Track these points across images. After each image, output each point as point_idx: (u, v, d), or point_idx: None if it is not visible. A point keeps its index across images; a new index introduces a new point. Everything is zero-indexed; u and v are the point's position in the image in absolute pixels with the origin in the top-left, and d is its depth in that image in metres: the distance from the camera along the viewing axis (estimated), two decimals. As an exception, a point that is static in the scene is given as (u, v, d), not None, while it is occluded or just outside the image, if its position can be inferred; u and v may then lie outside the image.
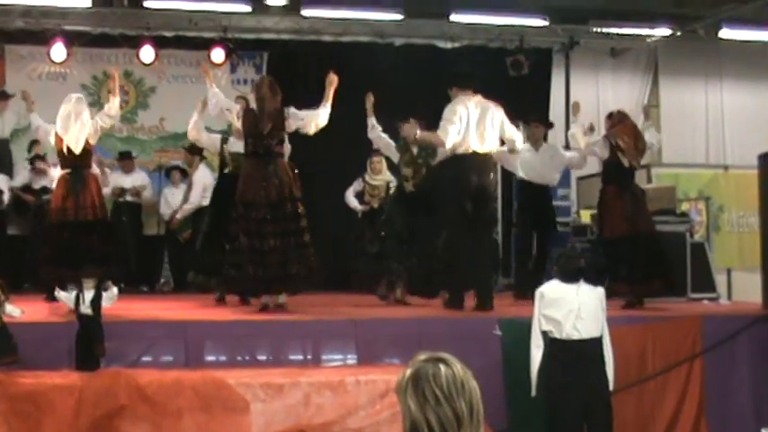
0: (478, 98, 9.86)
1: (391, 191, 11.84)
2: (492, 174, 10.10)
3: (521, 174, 11.63)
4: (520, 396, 7.84)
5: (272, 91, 9.51)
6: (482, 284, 9.83)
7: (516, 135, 10.22)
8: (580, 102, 11.59)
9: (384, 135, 10.96)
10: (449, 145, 9.64)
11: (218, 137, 11.14)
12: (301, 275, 9.31)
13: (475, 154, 9.69)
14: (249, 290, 9.75)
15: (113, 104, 9.88)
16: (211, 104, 9.94)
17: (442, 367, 3.27)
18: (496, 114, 9.88)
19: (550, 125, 12.42)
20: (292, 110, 9.59)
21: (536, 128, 11.81)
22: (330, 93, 9.69)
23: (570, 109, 12.07)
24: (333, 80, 9.72)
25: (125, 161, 13.89)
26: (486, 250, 10.14)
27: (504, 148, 10.34)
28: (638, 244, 10.36)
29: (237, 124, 9.76)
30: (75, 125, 9.56)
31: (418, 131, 9.99)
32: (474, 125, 9.67)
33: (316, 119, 9.64)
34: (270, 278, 9.21)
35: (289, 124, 9.54)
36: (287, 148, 9.85)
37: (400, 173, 11.06)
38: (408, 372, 3.29)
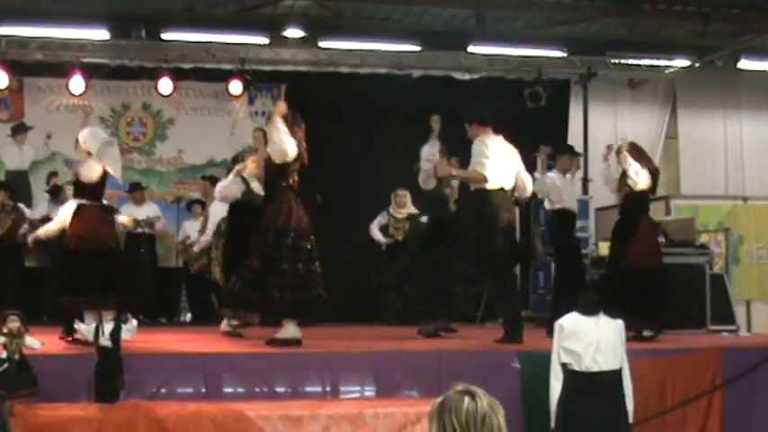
0: (500, 138, 9.87)
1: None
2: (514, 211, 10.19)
3: (559, 204, 11.44)
4: (539, 428, 7.78)
5: (297, 123, 9.47)
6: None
7: (528, 182, 10.21)
8: (598, 133, 11.56)
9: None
10: (492, 181, 9.62)
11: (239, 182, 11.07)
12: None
13: (502, 191, 9.72)
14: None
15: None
16: None
17: (467, 400, 3.33)
18: (516, 157, 9.92)
19: (578, 155, 12.32)
20: None
21: (570, 160, 11.59)
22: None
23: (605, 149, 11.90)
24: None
25: (136, 192, 13.88)
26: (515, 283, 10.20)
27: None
28: (657, 277, 10.35)
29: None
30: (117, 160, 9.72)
31: (454, 170, 10.06)
32: (501, 163, 9.71)
33: None
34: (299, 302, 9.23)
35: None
36: None
37: (441, 192, 11.05)
38: (438, 401, 3.38)
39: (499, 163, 9.68)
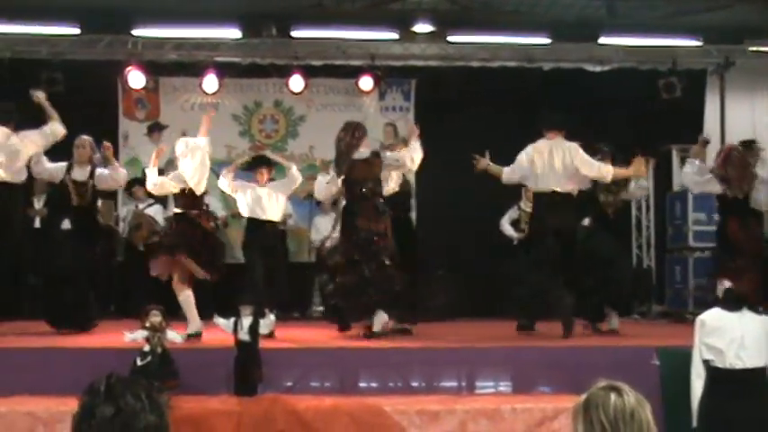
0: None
1: None
2: None
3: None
4: (679, 427, 7.62)
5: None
6: None
7: None
8: (736, 124, 11.26)
9: None
10: None
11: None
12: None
13: None
14: None
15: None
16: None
17: (613, 396, 3.29)
18: None
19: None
20: None
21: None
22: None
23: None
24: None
25: None
26: None
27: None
28: None
29: None
30: None
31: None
32: None
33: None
34: None
35: None
36: None
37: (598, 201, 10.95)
38: (582, 398, 3.34)
39: None
